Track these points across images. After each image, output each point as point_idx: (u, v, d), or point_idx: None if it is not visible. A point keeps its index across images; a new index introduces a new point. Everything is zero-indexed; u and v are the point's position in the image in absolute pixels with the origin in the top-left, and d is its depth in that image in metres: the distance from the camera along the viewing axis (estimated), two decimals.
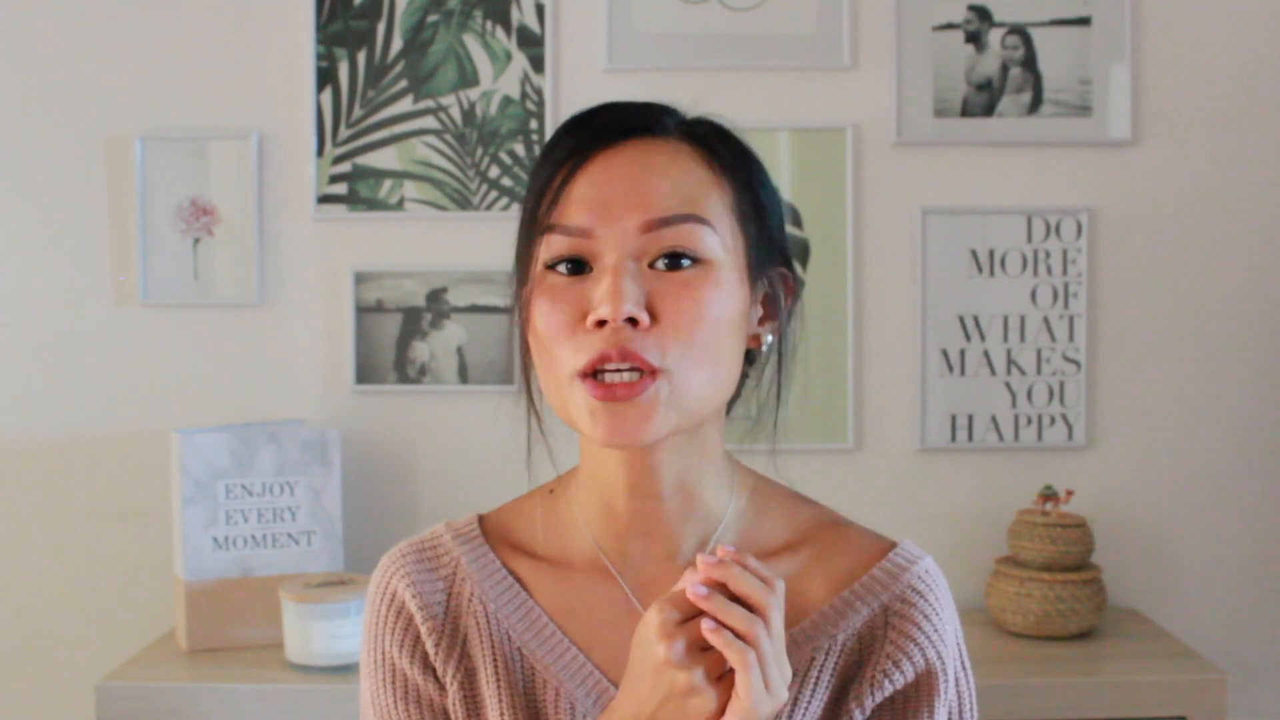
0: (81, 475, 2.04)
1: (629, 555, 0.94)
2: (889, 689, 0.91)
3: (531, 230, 0.89)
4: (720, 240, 0.87)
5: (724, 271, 0.87)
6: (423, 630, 0.95)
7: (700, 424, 0.90)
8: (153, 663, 1.79)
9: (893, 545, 0.96)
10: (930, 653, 0.91)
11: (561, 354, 0.85)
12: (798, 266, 0.96)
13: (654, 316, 0.84)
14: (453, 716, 0.94)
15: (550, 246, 0.87)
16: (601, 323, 0.84)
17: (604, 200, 0.86)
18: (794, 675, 0.90)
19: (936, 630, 0.92)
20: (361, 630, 1.02)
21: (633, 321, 0.83)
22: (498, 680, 0.93)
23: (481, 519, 1.01)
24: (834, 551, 0.95)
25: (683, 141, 0.90)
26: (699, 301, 0.85)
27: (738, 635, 0.77)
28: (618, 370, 0.83)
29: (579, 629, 0.94)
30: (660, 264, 0.86)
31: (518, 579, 0.96)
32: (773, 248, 0.93)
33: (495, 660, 0.93)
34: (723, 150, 0.91)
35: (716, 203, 0.88)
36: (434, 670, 0.95)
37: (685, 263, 0.86)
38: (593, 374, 0.84)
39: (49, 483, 2.05)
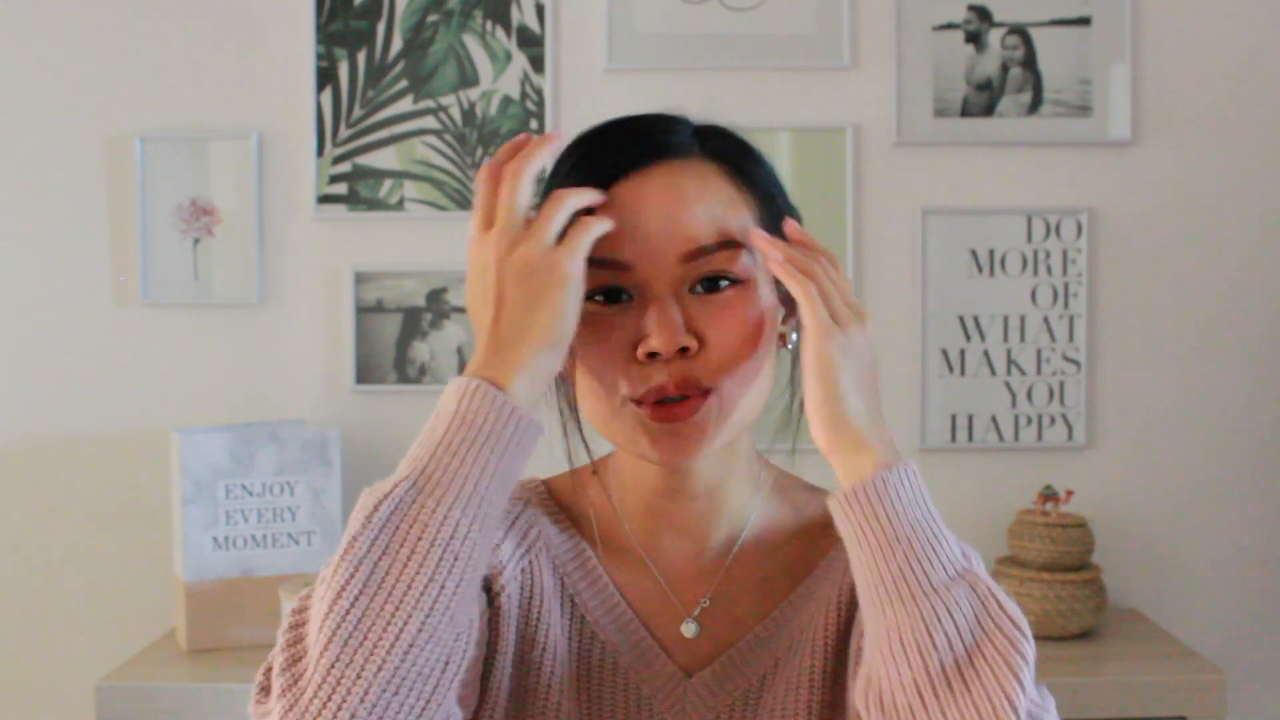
0: (81, 475, 2.04)
1: (662, 549, 0.96)
2: None
3: None
4: (752, 257, 0.88)
5: (759, 286, 0.89)
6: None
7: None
8: (153, 663, 1.79)
9: None
10: None
11: (611, 382, 0.86)
12: None
13: (699, 339, 0.85)
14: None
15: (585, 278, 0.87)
16: (652, 354, 0.85)
17: (640, 233, 0.85)
18: (810, 617, 0.92)
19: None
20: None
21: (683, 351, 0.85)
22: (548, 620, 0.93)
23: (545, 483, 1.02)
24: None
25: (707, 161, 0.90)
26: (742, 321, 0.87)
27: (798, 271, 0.84)
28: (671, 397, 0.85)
29: (631, 595, 0.95)
30: (699, 288, 0.87)
31: (587, 542, 0.97)
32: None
33: (547, 601, 0.93)
34: (745, 165, 0.92)
35: (744, 216, 0.89)
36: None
37: (723, 284, 0.87)
38: (648, 403, 0.86)
39: (49, 483, 2.05)
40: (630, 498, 0.96)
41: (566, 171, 0.89)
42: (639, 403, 0.86)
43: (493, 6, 2.02)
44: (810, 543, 0.97)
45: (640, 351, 0.85)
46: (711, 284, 0.86)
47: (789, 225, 0.89)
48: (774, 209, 0.92)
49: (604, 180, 0.87)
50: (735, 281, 0.87)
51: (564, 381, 0.95)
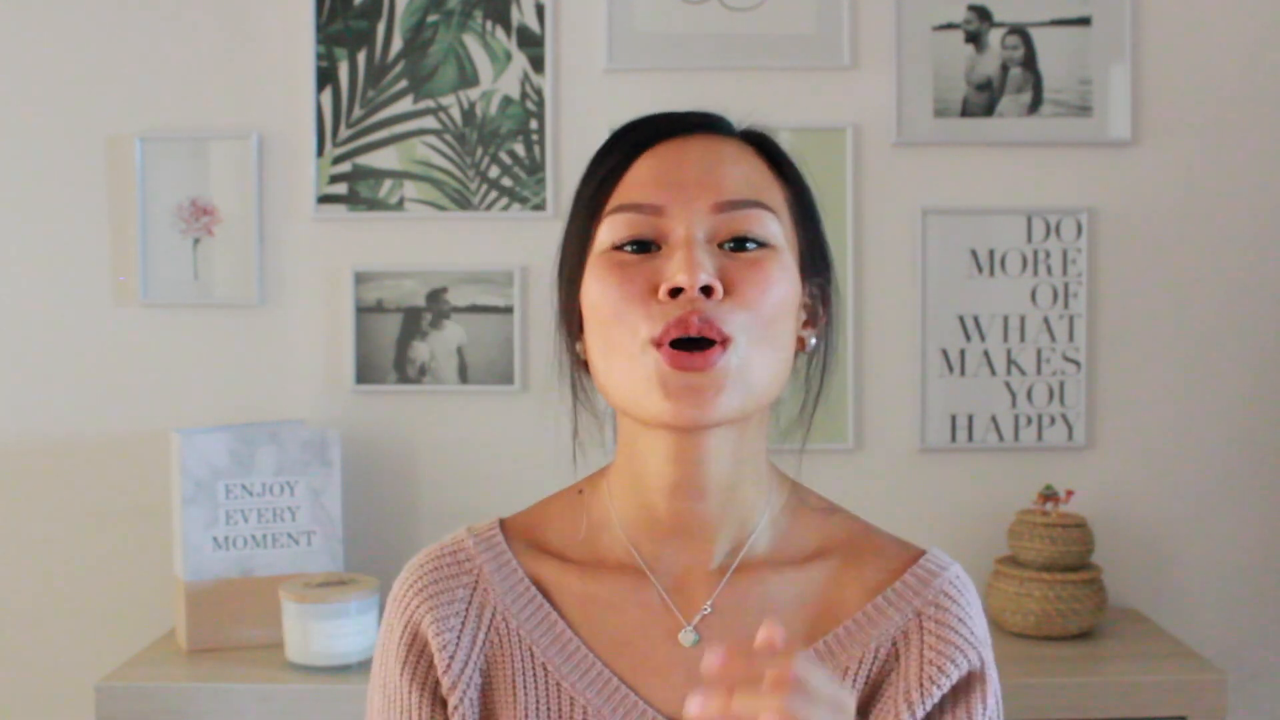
0: (81, 475, 2.04)
1: (663, 557, 0.93)
2: (937, 693, 0.90)
3: (593, 214, 0.90)
4: (782, 229, 0.90)
5: (786, 257, 0.90)
6: (438, 658, 0.92)
7: (750, 417, 0.90)
8: (153, 663, 1.79)
9: (922, 552, 0.96)
10: (972, 655, 0.92)
11: (633, 323, 0.85)
12: (835, 277, 0.99)
13: (725, 289, 0.86)
14: None
15: (617, 227, 0.88)
16: (674, 293, 0.85)
17: (676, 180, 0.88)
18: None
19: (974, 633, 0.93)
20: (371, 632, 0.99)
21: (706, 292, 0.84)
22: (515, 700, 0.91)
23: (504, 523, 0.99)
24: (865, 559, 0.95)
25: (747, 144, 0.94)
26: (767, 277, 0.87)
27: None
28: (693, 341, 0.84)
29: (605, 637, 0.93)
30: (727, 245, 0.88)
31: (542, 589, 0.95)
32: (820, 257, 0.96)
33: (515, 680, 0.92)
34: (781, 158, 0.96)
35: (778, 196, 0.92)
36: (443, 701, 0.93)
37: (751, 245, 0.88)
38: (666, 344, 0.84)
39: (49, 483, 2.05)
40: (630, 504, 0.94)
41: (613, 143, 0.93)
42: (658, 345, 0.84)
43: (493, 6, 2.02)
44: (828, 585, 0.94)
45: (664, 289, 0.85)
46: (739, 245, 0.88)
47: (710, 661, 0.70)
48: (806, 204, 0.95)
49: (646, 141, 0.90)
50: (763, 245, 0.88)
51: (579, 368, 0.95)
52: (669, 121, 0.92)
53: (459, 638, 0.93)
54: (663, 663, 0.91)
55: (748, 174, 0.90)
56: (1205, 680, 1.70)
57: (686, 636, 0.92)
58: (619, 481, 0.95)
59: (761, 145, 0.95)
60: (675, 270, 0.84)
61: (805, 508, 0.98)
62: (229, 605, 1.83)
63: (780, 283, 0.88)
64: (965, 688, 0.92)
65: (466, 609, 0.94)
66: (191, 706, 1.68)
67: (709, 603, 0.92)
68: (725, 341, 0.84)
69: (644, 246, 0.88)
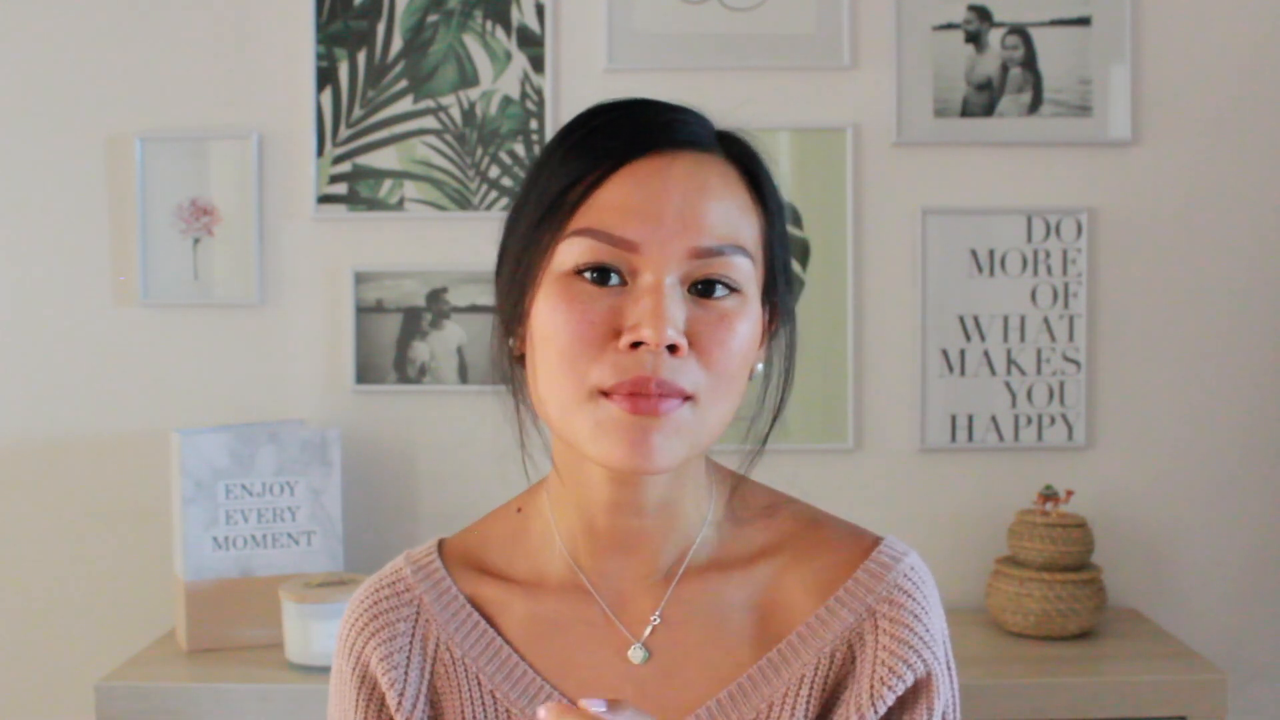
0: (81, 475, 2.04)
1: (606, 573, 0.91)
2: (890, 698, 0.87)
3: (555, 224, 0.83)
4: (754, 267, 0.85)
5: (753, 303, 0.85)
6: (390, 696, 0.91)
7: None
8: (153, 663, 1.79)
9: (875, 543, 0.92)
10: (926, 655, 0.88)
11: (584, 367, 0.80)
12: (794, 289, 0.93)
13: (689, 343, 0.81)
14: None
15: (581, 251, 0.81)
16: (635, 344, 0.79)
17: (655, 215, 0.81)
18: (783, 695, 0.88)
19: (928, 630, 0.89)
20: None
21: (671, 349, 0.79)
22: None
23: (442, 544, 0.97)
24: (814, 553, 0.91)
25: (729, 163, 0.87)
26: (734, 334, 0.82)
27: None
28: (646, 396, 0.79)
29: (552, 659, 0.91)
30: (697, 287, 0.82)
31: (484, 612, 0.93)
32: (781, 278, 0.91)
33: (464, 710, 0.90)
34: (761, 178, 0.89)
35: (754, 232, 0.86)
36: None
37: (720, 291, 0.83)
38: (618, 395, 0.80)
39: (49, 483, 2.05)
40: (571, 520, 0.91)
41: (582, 139, 0.86)
42: (608, 395, 0.80)
43: (493, 6, 2.03)
44: (776, 584, 0.91)
45: (625, 340, 0.79)
46: (708, 288, 0.82)
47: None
48: (778, 226, 0.89)
49: (624, 153, 0.83)
50: (733, 290, 0.83)
51: (518, 366, 0.90)
52: (647, 133, 0.84)
53: (406, 674, 0.91)
54: (613, 682, 0.89)
55: (729, 209, 0.84)
56: (1205, 680, 1.70)
57: (636, 654, 0.89)
58: (558, 494, 0.92)
59: (746, 165, 0.88)
60: (641, 319, 0.79)
61: (748, 504, 0.94)
62: (229, 605, 1.83)
63: (744, 335, 0.83)
64: (911, 700, 0.88)
65: (410, 642, 0.92)
66: (191, 706, 1.68)
67: (657, 613, 0.90)
68: (684, 398, 0.81)
69: (606, 275, 0.81)
